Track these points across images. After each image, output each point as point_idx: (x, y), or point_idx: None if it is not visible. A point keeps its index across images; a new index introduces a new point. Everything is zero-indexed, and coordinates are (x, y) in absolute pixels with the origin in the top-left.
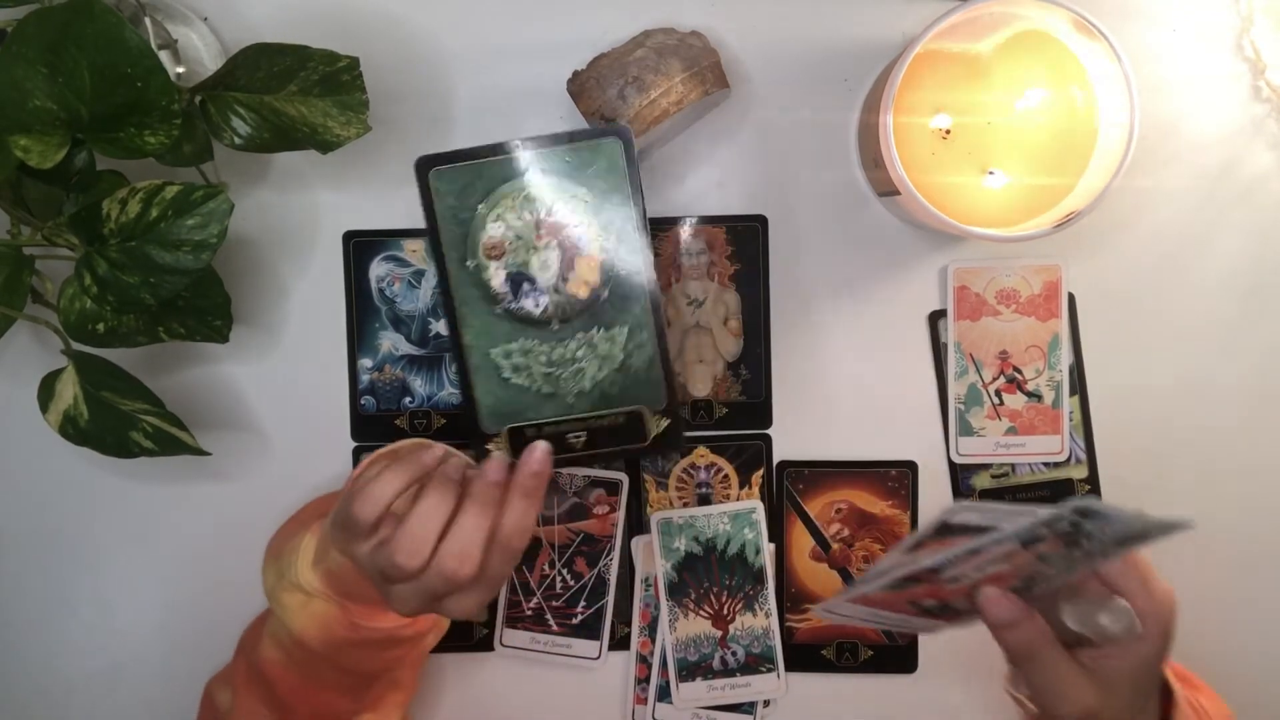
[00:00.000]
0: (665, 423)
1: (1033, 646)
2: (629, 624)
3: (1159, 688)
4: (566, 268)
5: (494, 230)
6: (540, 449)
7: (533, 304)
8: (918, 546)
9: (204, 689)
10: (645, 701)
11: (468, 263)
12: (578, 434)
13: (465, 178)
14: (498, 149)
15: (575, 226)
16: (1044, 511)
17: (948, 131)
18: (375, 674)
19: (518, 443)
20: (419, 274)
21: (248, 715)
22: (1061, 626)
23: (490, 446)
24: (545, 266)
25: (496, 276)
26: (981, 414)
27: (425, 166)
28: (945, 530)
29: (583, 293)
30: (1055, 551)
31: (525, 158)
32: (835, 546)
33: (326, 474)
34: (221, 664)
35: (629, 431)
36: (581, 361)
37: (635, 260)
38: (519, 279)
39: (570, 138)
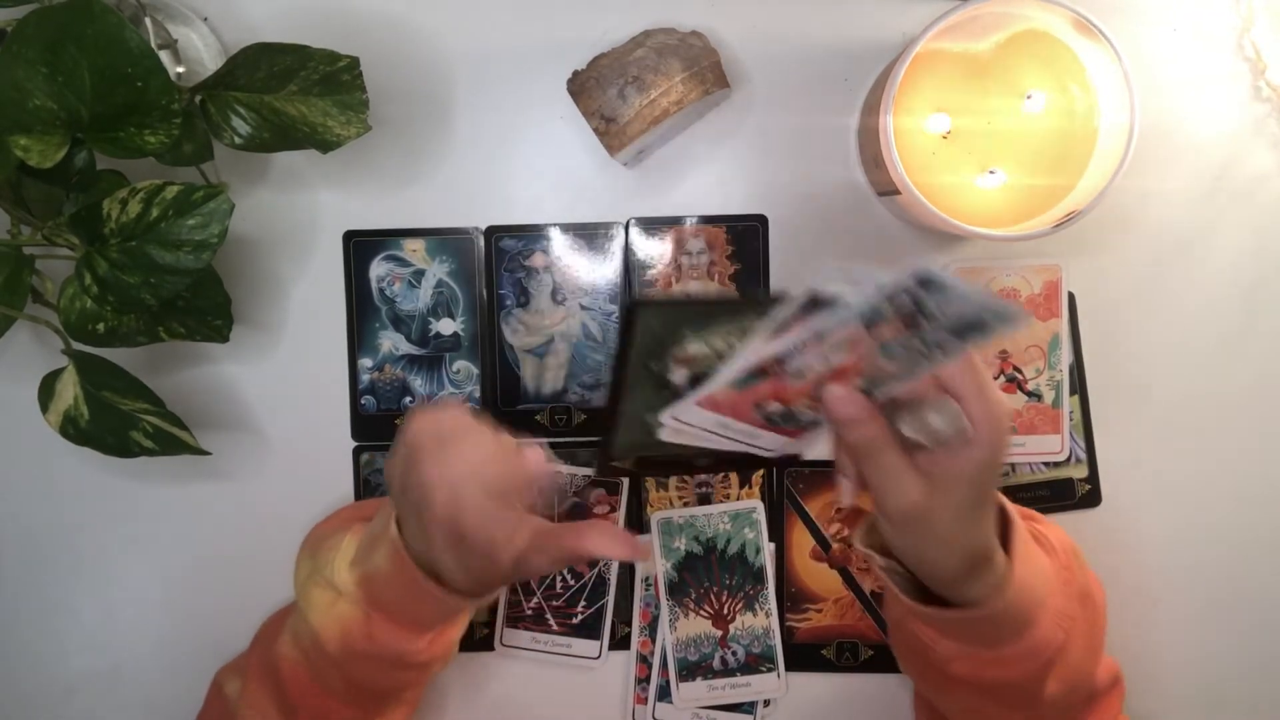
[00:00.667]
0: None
1: (874, 444)
2: (629, 624)
3: (993, 506)
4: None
5: (693, 348)
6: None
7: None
8: (782, 329)
9: (213, 678)
10: (645, 701)
11: (652, 364)
12: (704, 458)
13: (685, 318)
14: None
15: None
16: (885, 278)
17: (948, 131)
18: (383, 692)
19: (644, 464)
20: (419, 274)
21: (253, 708)
22: (899, 437)
23: (618, 464)
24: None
25: (678, 375)
26: None
27: (637, 307)
28: (812, 306)
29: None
30: (897, 338)
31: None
32: (835, 546)
33: (326, 474)
34: (221, 663)
35: (749, 458)
36: None
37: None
38: (700, 378)
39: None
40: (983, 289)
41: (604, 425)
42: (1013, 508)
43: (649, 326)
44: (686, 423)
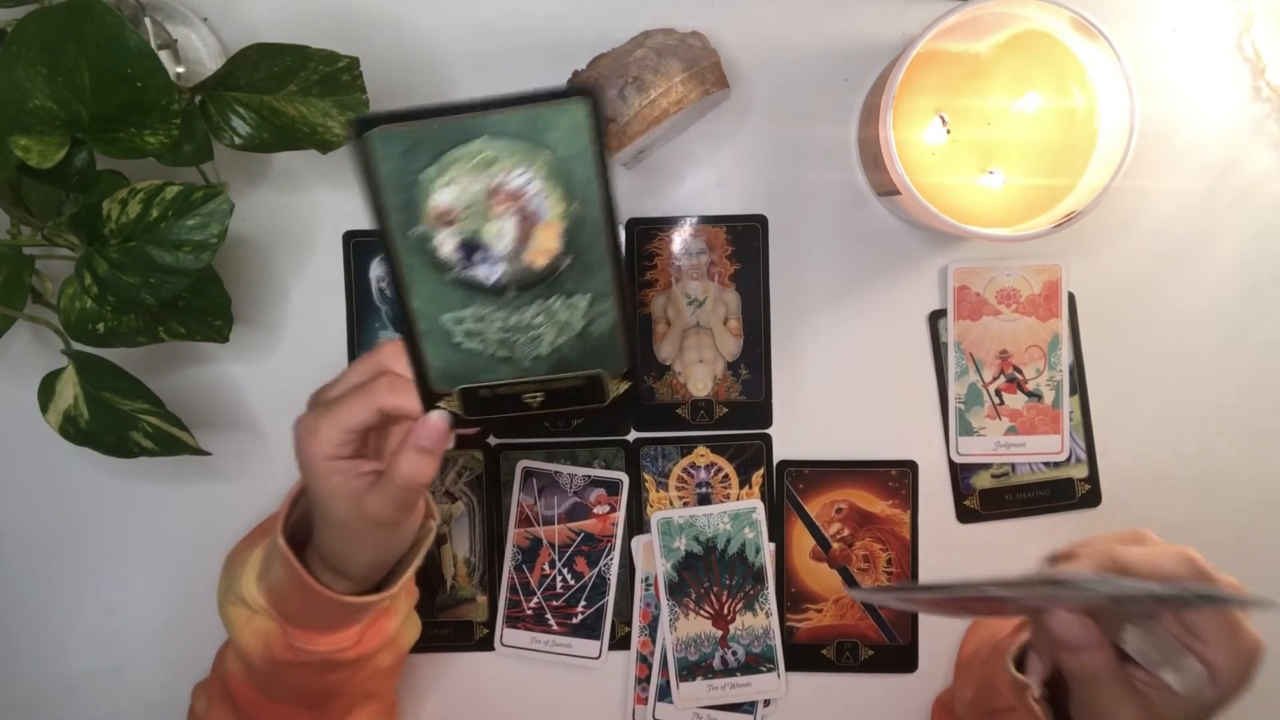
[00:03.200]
0: (626, 385)
1: (1098, 672)
2: (629, 624)
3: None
4: (524, 236)
5: (443, 196)
6: (435, 420)
7: (485, 273)
8: (1014, 586)
9: (191, 693)
10: (645, 701)
11: (411, 231)
12: (534, 394)
13: (410, 140)
14: (448, 109)
15: (535, 194)
16: (1160, 589)
17: (947, 132)
18: (327, 692)
19: (470, 403)
20: None
21: None
22: (1119, 640)
23: (441, 405)
24: (500, 235)
25: (446, 244)
26: (982, 413)
27: (364, 127)
28: (1053, 584)
29: (541, 262)
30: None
31: (480, 119)
32: (835, 546)
33: None
34: None
35: (588, 393)
36: (540, 329)
37: (599, 227)
38: (471, 247)
39: (532, 99)
40: (1248, 597)
41: (408, 347)
42: None
43: (391, 166)
44: (878, 603)
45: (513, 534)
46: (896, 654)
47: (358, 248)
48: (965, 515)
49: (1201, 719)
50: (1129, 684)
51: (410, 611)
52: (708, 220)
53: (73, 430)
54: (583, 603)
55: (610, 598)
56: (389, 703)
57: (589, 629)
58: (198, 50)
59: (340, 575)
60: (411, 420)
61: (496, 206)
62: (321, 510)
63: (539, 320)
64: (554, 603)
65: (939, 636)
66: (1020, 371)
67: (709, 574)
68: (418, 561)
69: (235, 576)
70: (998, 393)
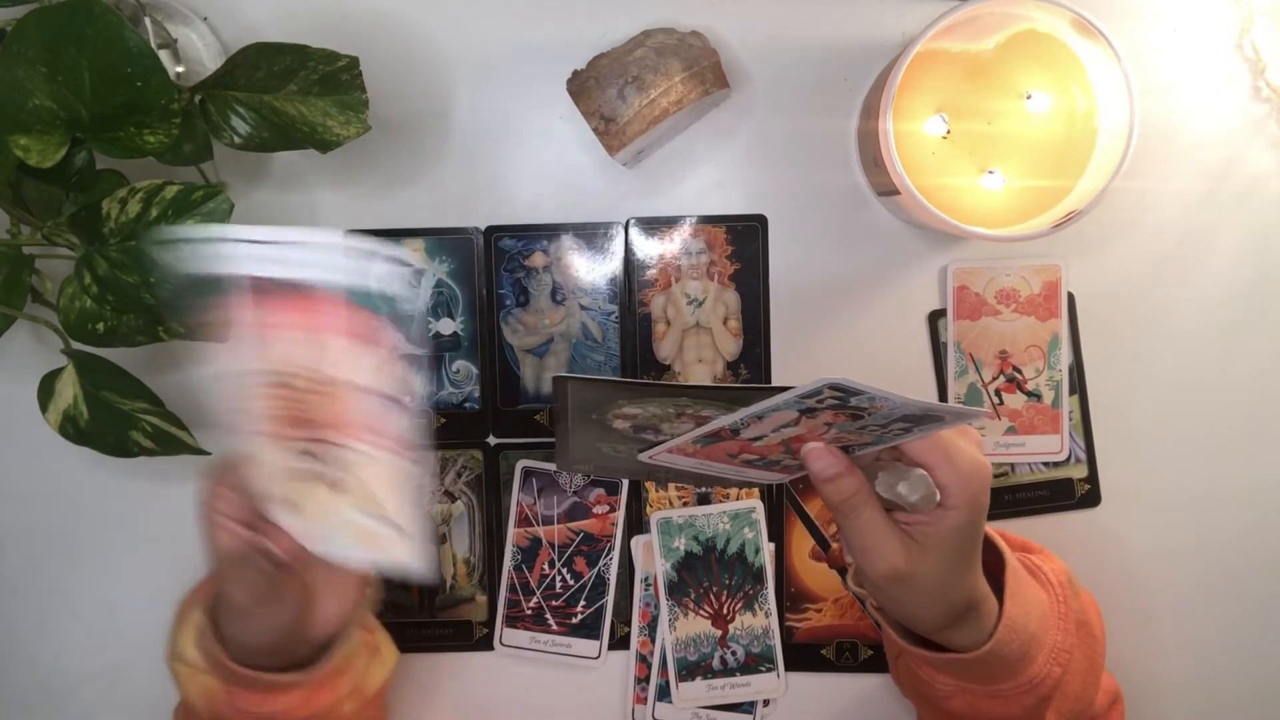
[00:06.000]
0: None
1: (853, 500)
2: (629, 623)
3: (978, 560)
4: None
5: (630, 409)
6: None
7: (652, 436)
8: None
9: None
10: (645, 701)
11: (593, 415)
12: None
13: (616, 391)
14: (664, 391)
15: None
16: (804, 388)
17: (947, 132)
18: None
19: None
20: (419, 274)
21: None
22: (880, 498)
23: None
24: (676, 432)
25: (620, 424)
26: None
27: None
28: (751, 396)
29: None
30: (840, 421)
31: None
32: (835, 546)
33: None
34: None
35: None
36: None
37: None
38: (642, 428)
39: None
40: (913, 399)
41: (557, 447)
42: (1005, 545)
43: (581, 396)
44: (665, 464)
45: (512, 534)
46: None
47: None
48: None
49: (955, 545)
50: (887, 515)
51: (374, 656)
52: (708, 220)
53: (72, 430)
54: (582, 603)
55: (610, 598)
56: None
57: (588, 629)
58: (198, 50)
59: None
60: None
61: (680, 421)
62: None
63: None
64: (553, 602)
65: None
66: (1020, 371)
67: (708, 574)
68: (341, 652)
69: (179, 636)
70: (997, 393)
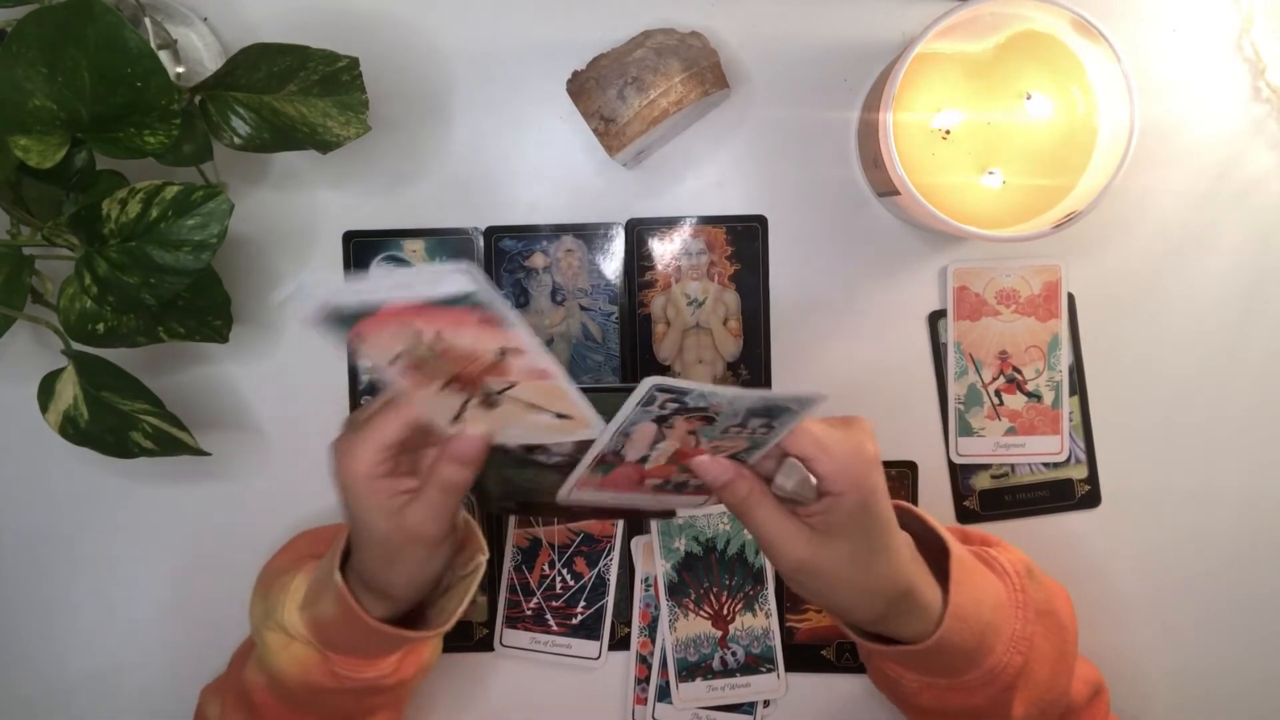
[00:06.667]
0: None
1: (748, 501)
2: (629, 624)
3: (897, 547)
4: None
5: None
6: (470, 433)
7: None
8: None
9: (199, 695)
10: (645, 702)
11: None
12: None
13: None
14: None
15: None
16: (636, 393)
17: (947, 131)
18: (359, 712)
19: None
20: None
21: None
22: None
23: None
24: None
25: (516, 448)
26: (981, 414)
27: None
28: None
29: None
30: (701, 427)
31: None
32: None
33: (326, 474)
34: (222, 666)
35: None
36: None
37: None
38: (532, 446)
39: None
40: (744, 390)
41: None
42: (950, 537)
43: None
44: (587, 500)
45: (512, 534)
46: None
47: (358, 248)
48: (965, 516)
49: (855, 529)
50: (786, 511)
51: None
52: (708, 220)
53: (72, 430)
54: (582, 603)
55: (610, 598)
56: (400, 715)
57: (588, 629)
58: (198, 50)
59: (381, 597)
60: (443, 434)
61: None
62: (362, 530)
63: None
64: (553, 603)
65: None
66: (1020, 372)
67: (709, 574)
68: (469, 595)
69: (275, 604)
70: (997, 393)
